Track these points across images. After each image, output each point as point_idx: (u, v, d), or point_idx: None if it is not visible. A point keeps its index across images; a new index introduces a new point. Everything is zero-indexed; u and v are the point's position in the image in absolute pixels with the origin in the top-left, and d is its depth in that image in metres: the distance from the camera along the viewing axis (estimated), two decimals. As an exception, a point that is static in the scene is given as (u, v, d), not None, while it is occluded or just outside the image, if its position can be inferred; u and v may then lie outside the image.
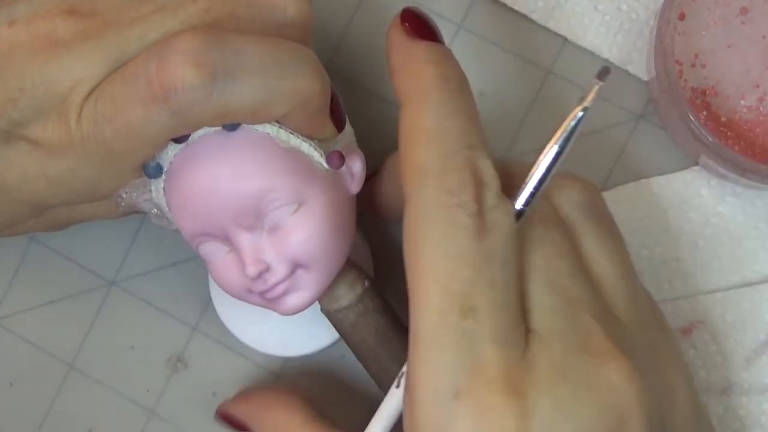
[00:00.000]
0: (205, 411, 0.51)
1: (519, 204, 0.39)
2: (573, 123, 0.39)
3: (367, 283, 0.44)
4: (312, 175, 0.42)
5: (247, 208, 0.41)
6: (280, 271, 0.42)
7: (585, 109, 0.39)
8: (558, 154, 0.39)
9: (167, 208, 0.43)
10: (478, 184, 0.38)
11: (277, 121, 0.41)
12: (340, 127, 0.43)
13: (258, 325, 0.48)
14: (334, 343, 0.48)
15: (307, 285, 0.43)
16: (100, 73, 0.40)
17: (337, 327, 0.45)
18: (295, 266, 0.42)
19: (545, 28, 0.50)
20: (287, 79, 0.39)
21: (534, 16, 0.50)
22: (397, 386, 0.41)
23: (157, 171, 0.42)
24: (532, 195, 0.39)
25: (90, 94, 0.40)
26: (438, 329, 0.36)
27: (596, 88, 0.39)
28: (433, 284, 0.37)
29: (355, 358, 0.46)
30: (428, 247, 0.37)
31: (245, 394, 0.49)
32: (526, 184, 0.39)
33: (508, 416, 0.35)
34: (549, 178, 0.39)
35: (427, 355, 0.36)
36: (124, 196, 0.43)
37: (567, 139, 0.39)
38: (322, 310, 0.45)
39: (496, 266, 0.37)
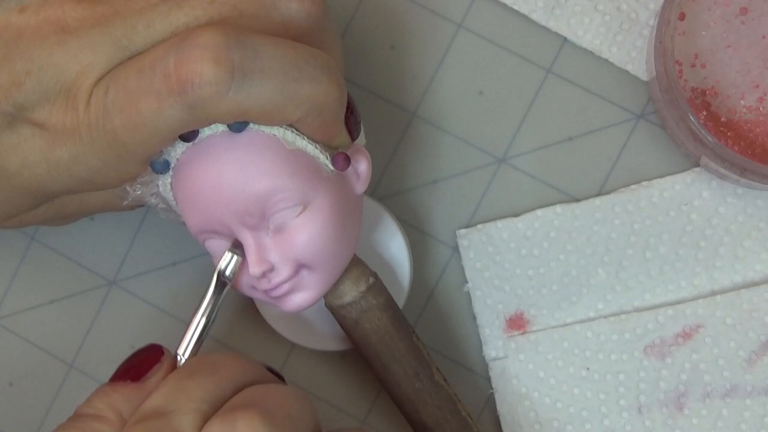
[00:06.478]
0: (205, 411, 0.51)
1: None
2: (211, 296, 0.43)
3: (371, 280, 0.44)
4: (317, 177, 0.42)
5: (252, 208, 0.41)
6: (284, 271, 0.42)
7: (225, 280, 0.43)
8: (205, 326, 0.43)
9: (174, 203, 0.43)
10: None
11: (291, 125, 0.41)
12: (354, 135, 0.43)
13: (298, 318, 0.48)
14: None
15: (311, 285, 0.43)
16: (108, 60, 0.40)
17: (339, 323, 0.45)
18: (300, 267, 0.42)
19: (545, 28, 0.50)
20: (304, 84, 0.39)
21: (534, 16, 0.50)
22: None
23: (165, 167, 0.42)
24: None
25: (100, 80, 0.40)
26: None
27: (232, 258, 0.43)
28: None
29: (357, 356, 0.46)
30: None
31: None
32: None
33: None
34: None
35: None
36: (130, 190, 0.43)
37: (212, 310, 0.43)
38: (326, 304, 0.45)
39: None
